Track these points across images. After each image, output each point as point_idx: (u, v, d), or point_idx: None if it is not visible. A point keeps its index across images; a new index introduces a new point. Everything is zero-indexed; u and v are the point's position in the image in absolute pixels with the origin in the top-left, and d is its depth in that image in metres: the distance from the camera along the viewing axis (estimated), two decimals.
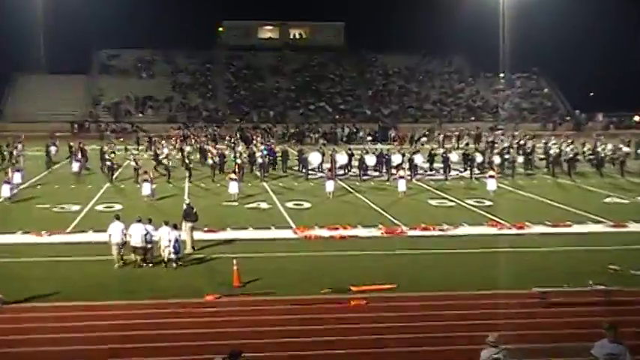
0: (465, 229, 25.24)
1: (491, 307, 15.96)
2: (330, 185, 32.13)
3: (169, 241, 19.63)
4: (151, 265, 19.85)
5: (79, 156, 38.91)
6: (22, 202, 29.98)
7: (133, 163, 36.29)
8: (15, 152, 41.50)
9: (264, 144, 44.99)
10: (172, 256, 19.67)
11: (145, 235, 19.74)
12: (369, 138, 59.92)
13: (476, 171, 39.26)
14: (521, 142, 47.75)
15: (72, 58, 73.96)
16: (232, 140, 48.20)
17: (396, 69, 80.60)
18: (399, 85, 77.97)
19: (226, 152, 41.15)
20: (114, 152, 39.64)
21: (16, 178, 32.92)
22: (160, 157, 39.03)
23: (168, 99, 72.54)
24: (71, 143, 43.66)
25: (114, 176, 35.75)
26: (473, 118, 72.21)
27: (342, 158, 39.47)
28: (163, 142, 47.84)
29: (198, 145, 45.09)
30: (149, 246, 19.89)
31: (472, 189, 35.08)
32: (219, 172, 37.37)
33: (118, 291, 17.55)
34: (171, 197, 31.31)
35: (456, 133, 57.87)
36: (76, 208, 28.64)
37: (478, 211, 28.77)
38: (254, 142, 47.78)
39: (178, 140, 49.59)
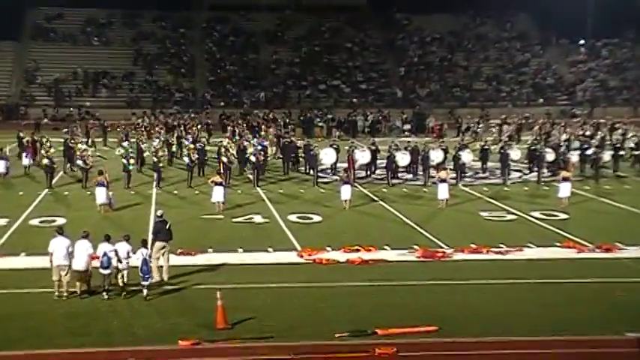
0: (530, 252, 25.22)
1: (567, 359, 15.96)
2: (346, 191, 32.22)
3: (126, 259, 20.10)
4: (106, 297, 20.04)
5: (9, 151, 39.48)
6: None
7: (80, 162, 36.52)
8: None
9: (280, 136, 45.21)
10: (143, 282, 20.05)
11: (103, 256, 20.04)
12: (407, 127, 59.93)
13: (545, 172, 39.20)
14: (615, 132, 47.95)
15: None
16: (239, 130, 48.16)
17: (436, 35, 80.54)
18: (441, 57, 77.96)
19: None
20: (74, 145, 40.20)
21: None
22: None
23: (129, 75, 72.80)
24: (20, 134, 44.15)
25: (53, 180, 35.97)
26: (541, 101, 72.07)
27: (363, 156, 39.54)
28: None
29: (165, 138, 45.16)
30: (107, 272, 20.14)
31: (540, 197, 35.03)
32: (199, 175, 37.51)
33: (62, 334, 17.65)
34: (134, 207, 31.45)
35: (518, 121, 57.79)
36: (2, 222, 28.79)
37: (548, 228, 28.72)
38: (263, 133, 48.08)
39: (144, 132, 49.86)
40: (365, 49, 78.52)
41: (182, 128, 50.00)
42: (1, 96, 69.36)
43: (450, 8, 80.00)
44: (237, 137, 44.80)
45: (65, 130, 46.94)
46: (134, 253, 20.70)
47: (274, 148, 44.94)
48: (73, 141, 41.44)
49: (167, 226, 22.09)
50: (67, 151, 40.51)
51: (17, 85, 70.95)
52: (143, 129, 51.63)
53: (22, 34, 76.80)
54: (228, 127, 51.45)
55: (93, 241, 20.68)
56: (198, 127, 50.26)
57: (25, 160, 39.98)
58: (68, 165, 39.89)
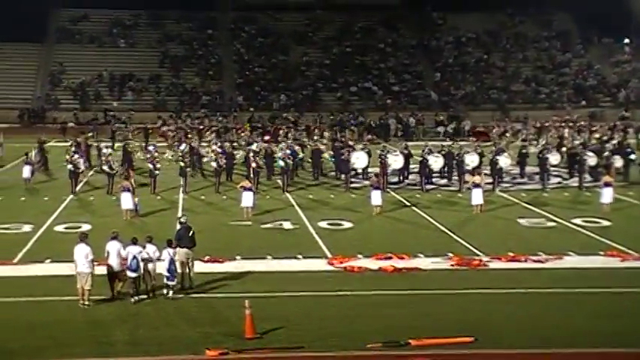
0: (571, 260, 25.04)
1: None
2: (376, 197, 32.23)
3: (152, 260, 20.72)
4: (134, 300, 20.48)
5: (35, 156, 39.77)
6: None
7: (105, 167, 36.79)
8: None
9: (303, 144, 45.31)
10: (168, 282, 20.70)
11: (132, 259, 20.50)
12: (445, 129, 59.63)
13: (587, 178, 38.90)
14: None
15: (22, 21, 75.05)
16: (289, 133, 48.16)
17: (471, 34, 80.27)
18: (477, 58, 77.66)
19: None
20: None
21: None
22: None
23: (155, 78, 73.33)
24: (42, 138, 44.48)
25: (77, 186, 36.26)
26: (584, 102, 71.53)
27: (396, 160, 39.48)
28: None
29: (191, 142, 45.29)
30: (134, 275, 20.58)
31: (581, 203, 34.78)
32: (227, 180, 37.65)
33: (86, 343, 17.81)
34: (160, 213, 31.68)
35: (558, 123, 57.36)
36: (27, 228, 29.15)
37: (590, 235, 28.51)
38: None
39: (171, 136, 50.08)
40: (398, 49, 78.44)
41: (233, 131, 49.72)
42: (26, 99, 70.12)
43: (486, 7, 79.56)
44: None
45: (90, 133, 47.24)
46: (160, 253, 21.14)
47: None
48: (130, 145, 41.85)
49: (190, 233, 22.21)
50: (126, 155, 40.91)
51: (42, 88, 71.72)
52: (195, 132, 51.85)
53: (46, 36, 77.52)
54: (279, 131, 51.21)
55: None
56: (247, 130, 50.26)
57: (104, 166, 39.54)
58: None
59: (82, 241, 20.84)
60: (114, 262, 20.74)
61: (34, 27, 75.90)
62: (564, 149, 42.81)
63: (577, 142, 45.02)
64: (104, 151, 40.42)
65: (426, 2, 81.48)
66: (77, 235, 22.05)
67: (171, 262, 20.84)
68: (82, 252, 20.55)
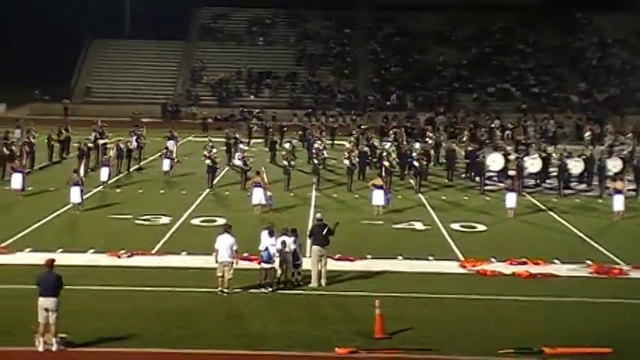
0: None
1: None
2: (511, 200, 31.74)
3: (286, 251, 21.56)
4: (267, 290, 21.15)
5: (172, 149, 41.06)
6: (94, 210, 31.77)
7: (239, 162, 37.50)
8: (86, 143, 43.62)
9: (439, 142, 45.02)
10: (294, 268, 21.71)
11: (264, 250, 21.30)
12: (588, 135, 57.91)
13: None
14: None
15: (164, 19, 77.63)
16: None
17: (618, 36, 77.69)
18: (622, 60, 75.11)
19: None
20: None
21: (104, 174, 36.00)
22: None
23: (291, 75, 74.38)
24: (174, 133, 45.99)
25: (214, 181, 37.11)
26: None
27: (533, 163, 38.70)
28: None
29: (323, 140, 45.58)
30: (268, 266, 21.33)
31: None
32: (359, 178, 37.80)
33: (220, 334, 18.27)
34: (293, 209, 32.11)
35: None
36: (165, 220, 30.09)
37: None
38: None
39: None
40: (538, 50, 76.80)
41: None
42: (167, 95, 72.41)
43: (634, 6, 76.81)
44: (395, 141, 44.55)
45: (227, 130, 48.25)
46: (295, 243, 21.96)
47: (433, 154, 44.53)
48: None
49: (325, 231, 22.38)
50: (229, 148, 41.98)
51: (183, 84, 73.89)
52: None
53: (189, 33, 79.98)
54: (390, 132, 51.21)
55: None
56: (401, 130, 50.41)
57: (238, 162, 40.19)
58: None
59: (226, 232, 21.50)
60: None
61: (178, 25, 78.65)
62: None
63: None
64: (240, 146, 41.28)
65: (570, 2, 79.38)
66: (216, 227, 22.61)
67: (299, 247, 22.03)
68: (225, 242, 21.20)
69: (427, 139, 46.79)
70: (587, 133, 54.28)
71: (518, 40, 77.66)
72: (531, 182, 38.60)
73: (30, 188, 34.25)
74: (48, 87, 70.44)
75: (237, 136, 45.66)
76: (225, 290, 20.98)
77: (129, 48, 78.08)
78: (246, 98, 71.38)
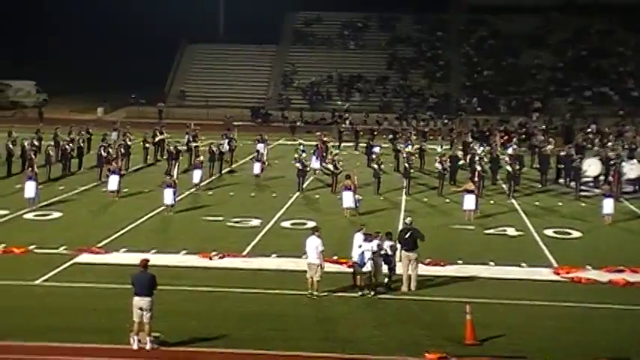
0: None
1: None
2: (608, 206, 31.05)
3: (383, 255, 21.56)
4: (361, 294, 21.21)
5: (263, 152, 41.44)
6: (186, 212, 32.28)
7: (330, 166, 37.65)
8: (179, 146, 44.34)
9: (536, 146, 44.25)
10: (386, 272, 21.69)
11: (361, 254, 21.30)
12: None
13: None
14: None
15: (257, 24, 78.58)
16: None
17: None
18: None
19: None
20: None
21: (196, 176, 36.56)
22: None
23: (382, 79, 74.33)
24: (264, 136, 46.33)
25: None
26: None
27: (632, 169, 37.76)
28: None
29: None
30: (363, 270, 21.32)
31: None
32: (450, 183, 37.52)
33: (308, 337, 18.39)
34: (381, 213, 32.07)
35: None
36: (255, 222, 30.40)
37: None
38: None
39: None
40: (639, 52, 74.86)
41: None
42: (259, 99, 73.24)
43: None
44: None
45: (318, 132, 48.46)
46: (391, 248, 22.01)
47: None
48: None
49: (414, 235, 22.31)
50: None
51: (275, 88, 74.63)
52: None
53: (281, 37, 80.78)
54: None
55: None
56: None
57: (316, 163, 41.02)
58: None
59: (314, 234, 21.66)
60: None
61: (271, 29, 79.57)
62: None
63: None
64: (330, 150, 41.41)
65: None
66: (306, 230, 22.78)
67: (393, 251, 22.00)
68: (313, 244, 21.36)
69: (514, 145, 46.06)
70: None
71: (617, 43, 75.87)
72: (629, 188, 37.68)
73: (125, 190, 35.07)
74: (144, 91, 72.11)
75: (325, 139, 45.79)
76: (315, 293, 21.12)
77: (222, 52, 79.36)
78: (336, 102, 71.54)
